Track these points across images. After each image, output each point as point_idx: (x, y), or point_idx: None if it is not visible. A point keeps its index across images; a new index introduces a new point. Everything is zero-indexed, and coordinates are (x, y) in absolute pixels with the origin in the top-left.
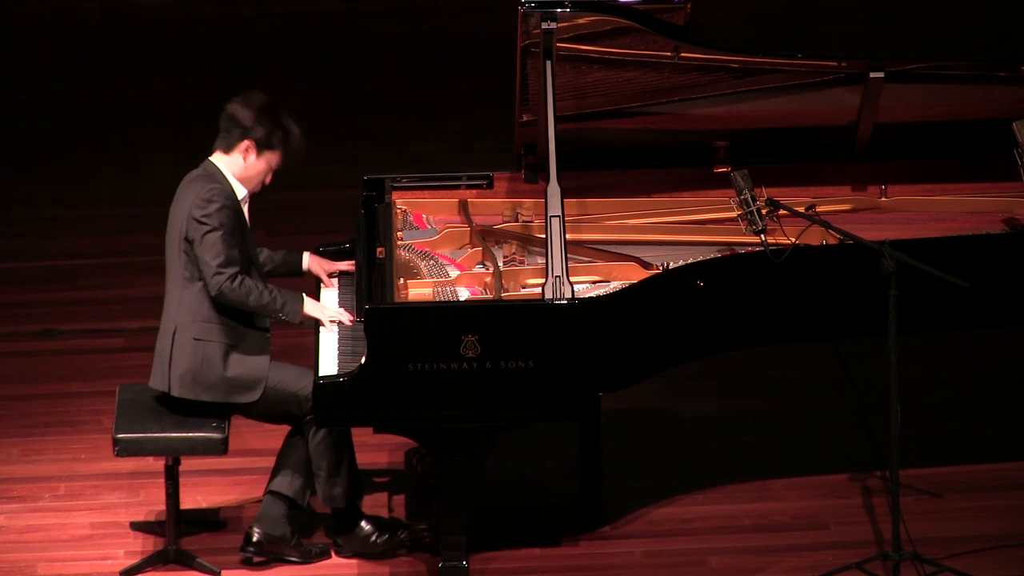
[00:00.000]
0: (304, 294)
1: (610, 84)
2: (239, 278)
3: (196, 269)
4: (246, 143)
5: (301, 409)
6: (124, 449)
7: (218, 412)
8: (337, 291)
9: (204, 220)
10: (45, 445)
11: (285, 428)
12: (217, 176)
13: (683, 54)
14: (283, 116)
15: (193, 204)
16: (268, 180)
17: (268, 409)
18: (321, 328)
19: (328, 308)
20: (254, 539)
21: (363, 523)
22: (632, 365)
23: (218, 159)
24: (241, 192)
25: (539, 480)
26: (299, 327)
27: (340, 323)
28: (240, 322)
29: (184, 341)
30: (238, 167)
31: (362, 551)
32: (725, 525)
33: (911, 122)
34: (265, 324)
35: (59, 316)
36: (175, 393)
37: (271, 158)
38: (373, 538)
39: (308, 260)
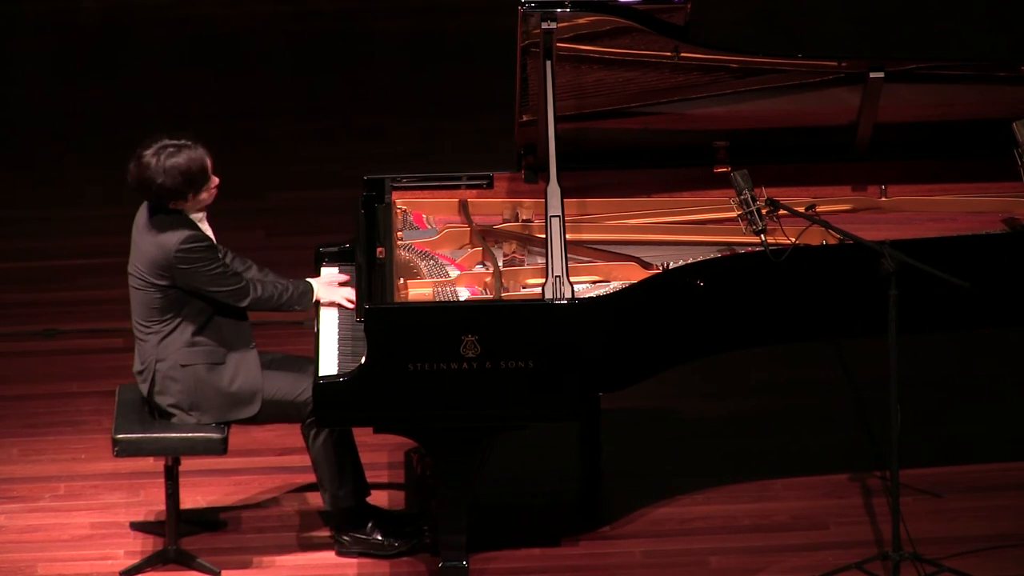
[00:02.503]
0: (311, 280)
1: (610, 84)
2: (254, 286)
3: (169, 304)
4: (171, 203)
5: (301, 415)
6: (124, 449)
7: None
8: (337, 268)
9: (198, 264)
10: (45, 445)
11: (286, 427)
12: (180, 217)
13: (683, 54)
14: (155, 168)
15: (174, 257)
16: (214, 189)
17: (267, 418)
18: (321, 326)
19: (339, 289)
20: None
21: (370, 524)
22: (632, 365)
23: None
24: (199, 216)
25: (539, 480)
26: (299, 326)
27: (340, 315)
28: (221, 340)
29: (171, 370)
30: (190, 208)
31: (368, 551)
32: (725, 525)
33: (911, 122)
34: (248, 333)
35: (59, 316)
36: (174, 423)
37: (194, 194)
38: (378, 539)
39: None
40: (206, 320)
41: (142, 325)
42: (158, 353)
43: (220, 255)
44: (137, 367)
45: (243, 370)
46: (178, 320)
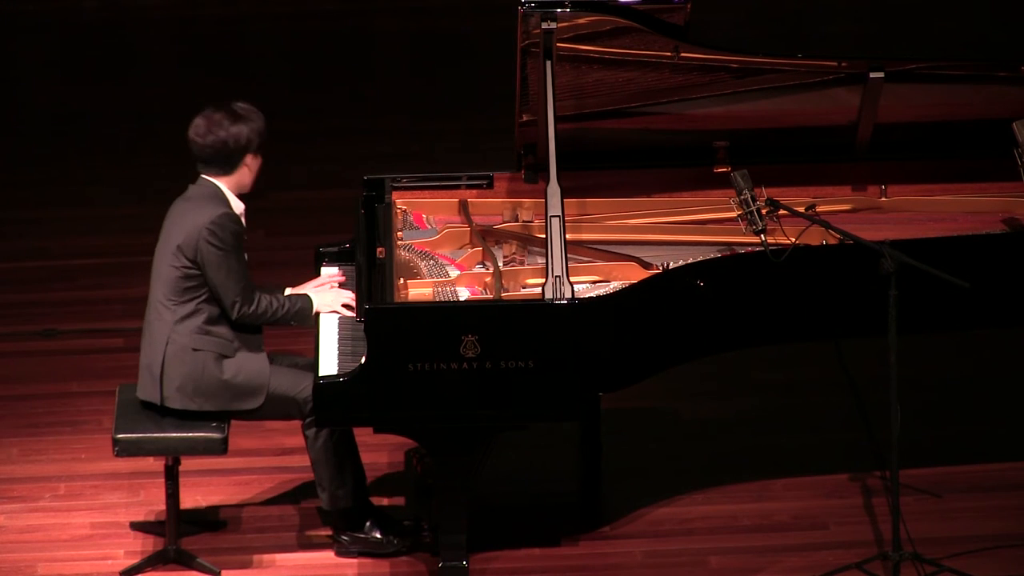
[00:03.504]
0: (310, 295)
1: (610, 84)
2: (255, 298)
3: (192, 286)
4: (248, 156)
5: (302, 412)
6: (124, 449)
7: (218, 415)
8: (337, 268)
9: (221, 246)
10: (45, 445)
11: (286, 427)
12: (220, 197)
13: (683, 54)
14: (238, 109)
15: (205, 230)
16: (249, 172)
17: (268, 413)
18: (321, 327)
19: (340, 295)
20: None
21: (369, 522)
22: (632, 365)
23: (216, 179)
24: (239, 207)
25: (539, 480)
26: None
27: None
28: (234, 336)
29: (180, 352)
30: (240, 180)
31: (367, 551)
32: (725, 525)
33: (911, 122)
34: (259, 340)
35: (59, 316)
36: (175, 405)
37: (219, 167)
38: (377, 537)
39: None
40: (222, 313)
41: (161, 304)
42: (171, 332)
43: (242, 256)
44: (145, 349)
45: (249, 365)
46: (198, 303)
